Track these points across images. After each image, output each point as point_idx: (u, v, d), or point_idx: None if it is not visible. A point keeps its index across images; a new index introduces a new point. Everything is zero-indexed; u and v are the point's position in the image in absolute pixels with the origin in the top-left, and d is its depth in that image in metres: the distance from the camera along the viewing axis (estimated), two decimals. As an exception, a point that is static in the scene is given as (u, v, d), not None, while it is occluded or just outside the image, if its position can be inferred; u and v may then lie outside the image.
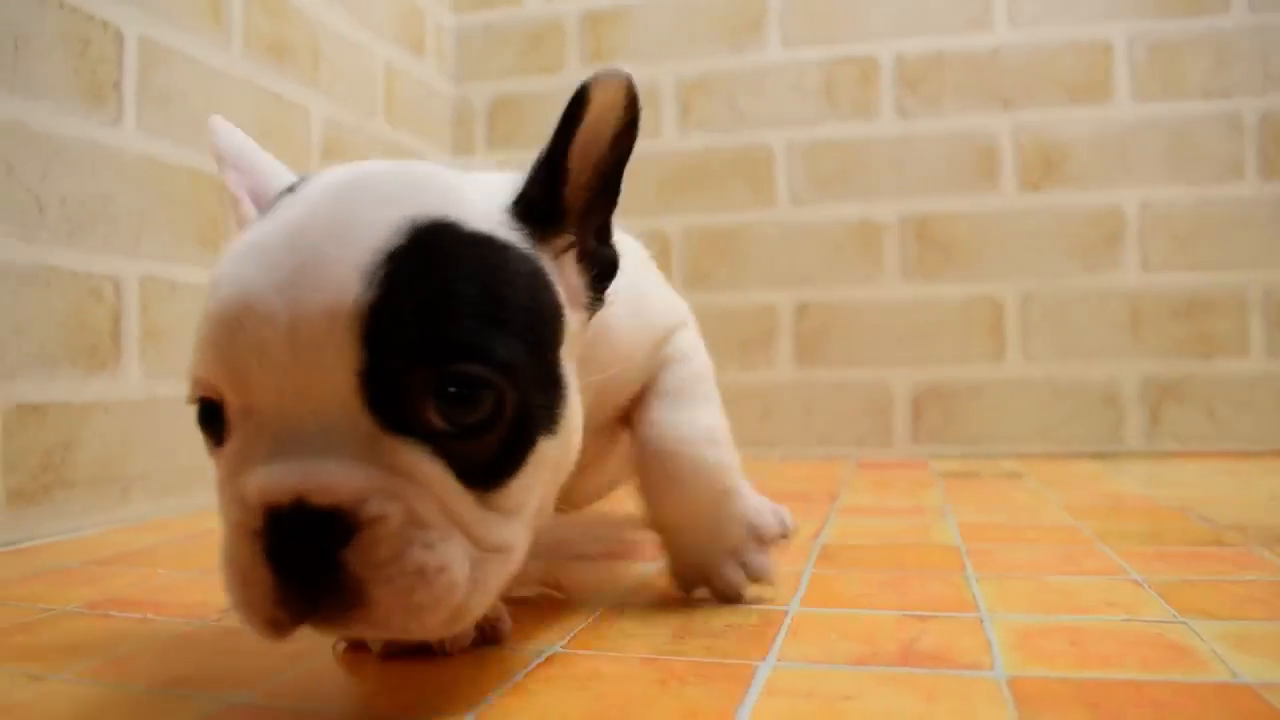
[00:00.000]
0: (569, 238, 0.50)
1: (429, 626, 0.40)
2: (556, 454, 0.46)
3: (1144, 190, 1.53)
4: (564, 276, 0.49)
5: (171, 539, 0.92)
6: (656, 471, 0.62)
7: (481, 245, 0.44)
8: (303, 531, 0.38)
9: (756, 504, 0.64)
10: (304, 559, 0.38)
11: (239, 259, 0.41)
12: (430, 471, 0.40)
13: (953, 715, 0.41)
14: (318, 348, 0.39)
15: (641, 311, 0.63)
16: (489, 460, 0.42)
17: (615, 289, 0.53)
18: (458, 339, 0.40)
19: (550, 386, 0.46)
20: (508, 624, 0.54)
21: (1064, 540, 0.82)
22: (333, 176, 0.45)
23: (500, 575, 0.43)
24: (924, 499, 1.08)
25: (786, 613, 0.59)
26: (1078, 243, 1.54)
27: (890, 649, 0.51)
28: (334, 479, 0.38)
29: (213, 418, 0.42)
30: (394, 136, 1.53)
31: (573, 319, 0.49)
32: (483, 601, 0.42)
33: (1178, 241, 1.51)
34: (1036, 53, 1.56)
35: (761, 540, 0.63)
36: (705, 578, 0.62)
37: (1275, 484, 1.13)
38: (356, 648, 0.52)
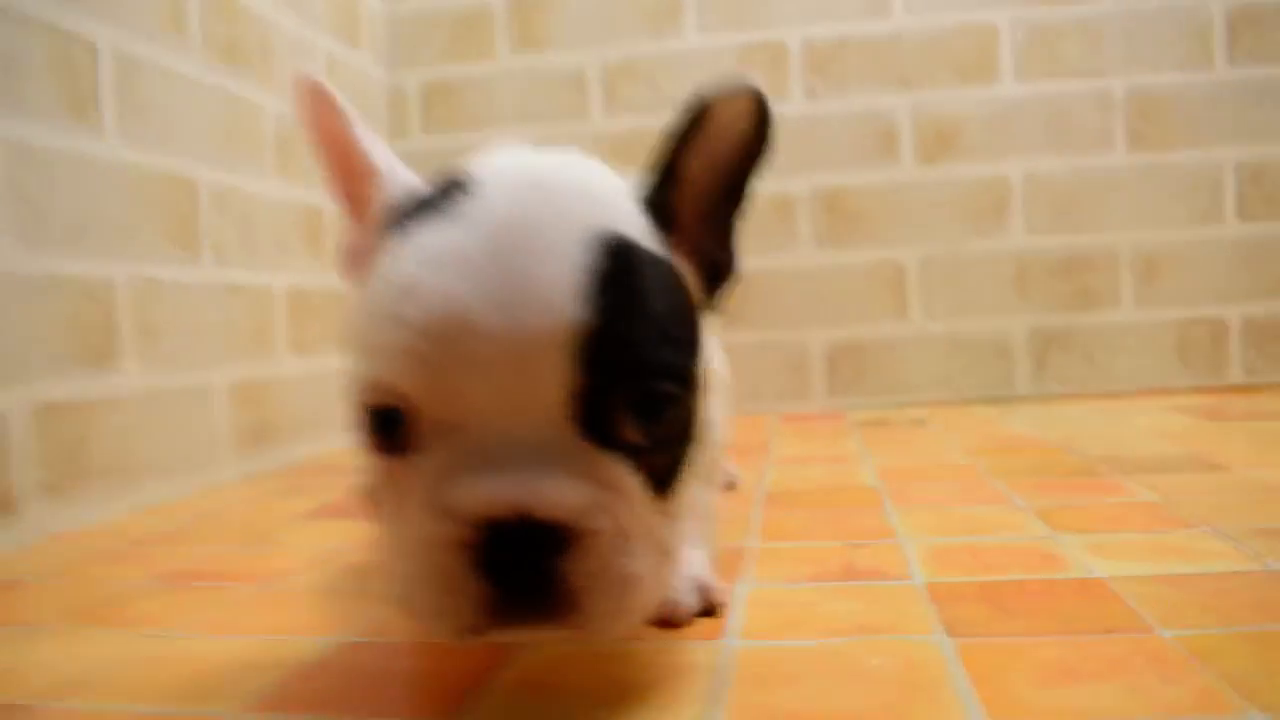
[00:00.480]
0: (678, 240, 0.48)
1: (625, 626, 0.42)
2: (704, 460, 0.49)
3: (1027, 161, 1.65)
4: (685, 276, 0.49)
5: (192, 519, 1.01)
6: None
7: (658, 264, 0.45)
8: (528, 544, 0.39)
9: (693, 574, 0.59)
10: (523, 570, 0.39)
11: (437, 266, 0.41)
12: (630, 485, 0.42)
13: (888, 612, 0.55)
14: (537, 367, 0.39)
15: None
16: (670, 470, 0.44)
17: None
18: (659, 360, 0.42)
19: (699, 397, 0.47)
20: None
21: (963, 477, 0.97)
22: (506, 177, 0.45)
23: (672, 576, 0.46)
24: (844, 447, 1.23)
25: (750, 547, 0.73)
26: (970, 210, 1.67)
27: (835, 568, 0.65)
28: (557, 494, 0.39)
29: (390, 425, 0.42)
30: (337, 125, 1.60)
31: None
32: (660, 600, 0.44)
33: (1057, 207, 1.65)
34: (931, 37, 1.67)
35: (667, 608, 0.57)
36: None
37: (1143, 421, 1.30)
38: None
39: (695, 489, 0.51)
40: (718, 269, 0.51)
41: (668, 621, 0.55)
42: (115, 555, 0.84)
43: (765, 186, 1.68)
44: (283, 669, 0.52)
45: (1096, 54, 1.64)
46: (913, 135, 1.68)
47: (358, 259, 0.51)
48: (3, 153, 0.92)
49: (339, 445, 1.51)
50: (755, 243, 1.69)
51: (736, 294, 1.60)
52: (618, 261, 0.41)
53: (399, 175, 0.52)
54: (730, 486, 0.96)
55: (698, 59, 1.72)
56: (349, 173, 0.53)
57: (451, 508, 0.39)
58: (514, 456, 0.39)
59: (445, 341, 0.39)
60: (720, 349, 0.67)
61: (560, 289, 0.39)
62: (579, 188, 0.45)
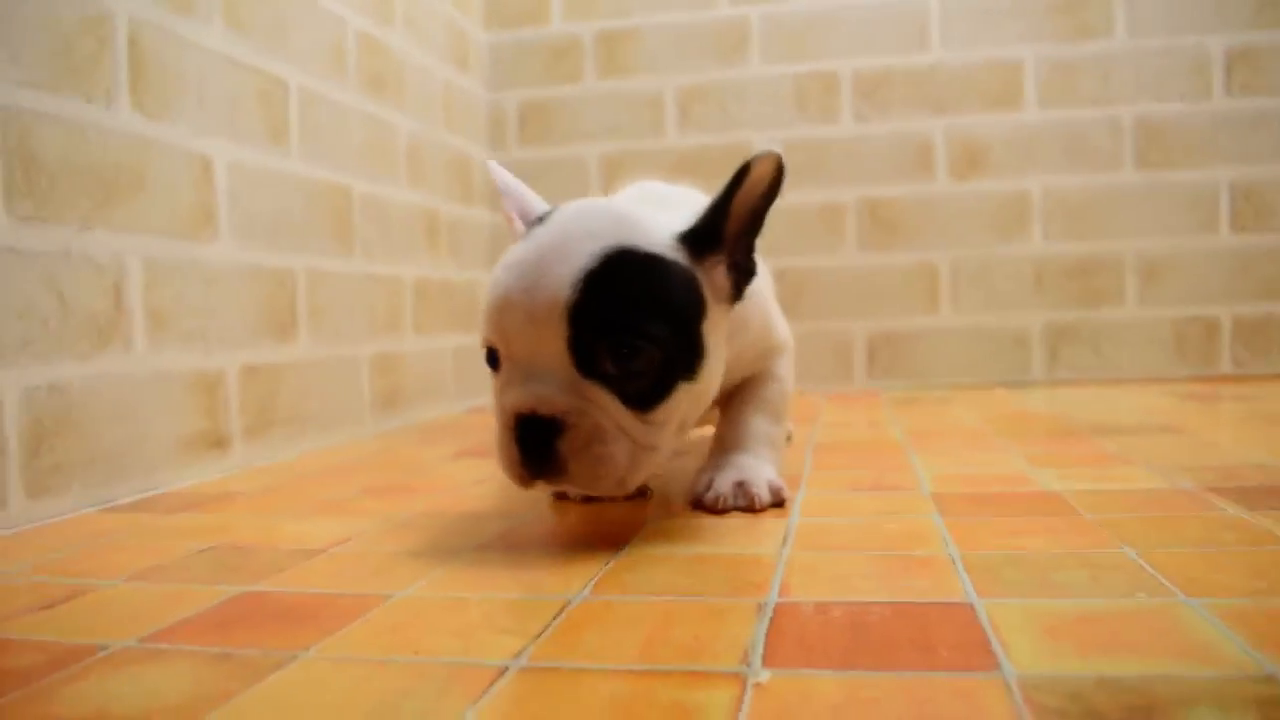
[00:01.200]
0: (721, 256, 0.74)
1: (603, 488, 0.68)
2: (695, 392, 0.72)
3: (1046, 178, 1.87)
4: (712, 280, 0.73)
5: (357, 458, 1.28)
6: (732, 438, 0.87)
7: (647, 260, 0.69)
8: (536, 428, 0.66)
9: (768, 477, 0.83)
10: (536, 443, 0.67)
11: (508, 268, 0.69)
12: (606, 399, 0.67)
13: (903, 509, 0.80)
14: (544, 326, 0.66)
15: (767, 321, 0.89)
16: (643, 393, 0.68)
17: (757, 295, 0.81)
18: (621, 321, 0.66)
19: (690, 350, 0.70)
20: (650, 490, 0.90)
21: (973, 436, 1.21)
22: (562, 217, 0.71)
23: (650, 462, 0.70)
24: (878, 416, 1.47)
25: (803, 475, 0.98)
26: (995, 220, 1.89)
27: (865, 483, 0.90)
28: (554, 401, 0.66)
29: (492, 357, 0.71)
30: (450, 140, 1.87)
31: (716, 308, 0.73)
32: (638, 476, 0.69)
33: (1071, 218, 1.87)
34: (964, 69, 1.89)
35: (749, 496, 0.80)
36: (717, 491, 0.82)
37: (1135, 401, 1.53)
38: (560, 498, 0.89)
39: (765, 391, 0.87)
40: (745, 273, 0.76)
41: (751, 508, 0.80)
42: (313, 479, 1.09)
43: (817, 197, 1.92)
44: (502, 524, 0.78)
45: (1108, 86, 1.86)
46: (946, 154, 1.91)
47: None
48: (226, 168, 1.19)
49: (451, 410, 1.78)
50: (808, 245, 1.93)
51: (792, 289, 1.85)
52: (607, 264, 0.67)
53: (529, 213, 0.80)
54: (788, 439, 1.22)
55: (761, 85, 1.96)
56: (508, 222, 0.83)
57: (503, 404, 0.69)
58: (534, 378, 0.67)
59: (501, 311, 0.68)
60: (781, 318, 0.95)
61: (561, 281, 0.66)
62: (609, 218, 0.71)
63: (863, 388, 1.94)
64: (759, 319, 0.88)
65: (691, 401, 0.73)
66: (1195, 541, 0.65)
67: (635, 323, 0.67)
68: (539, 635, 0.50)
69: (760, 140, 1.96)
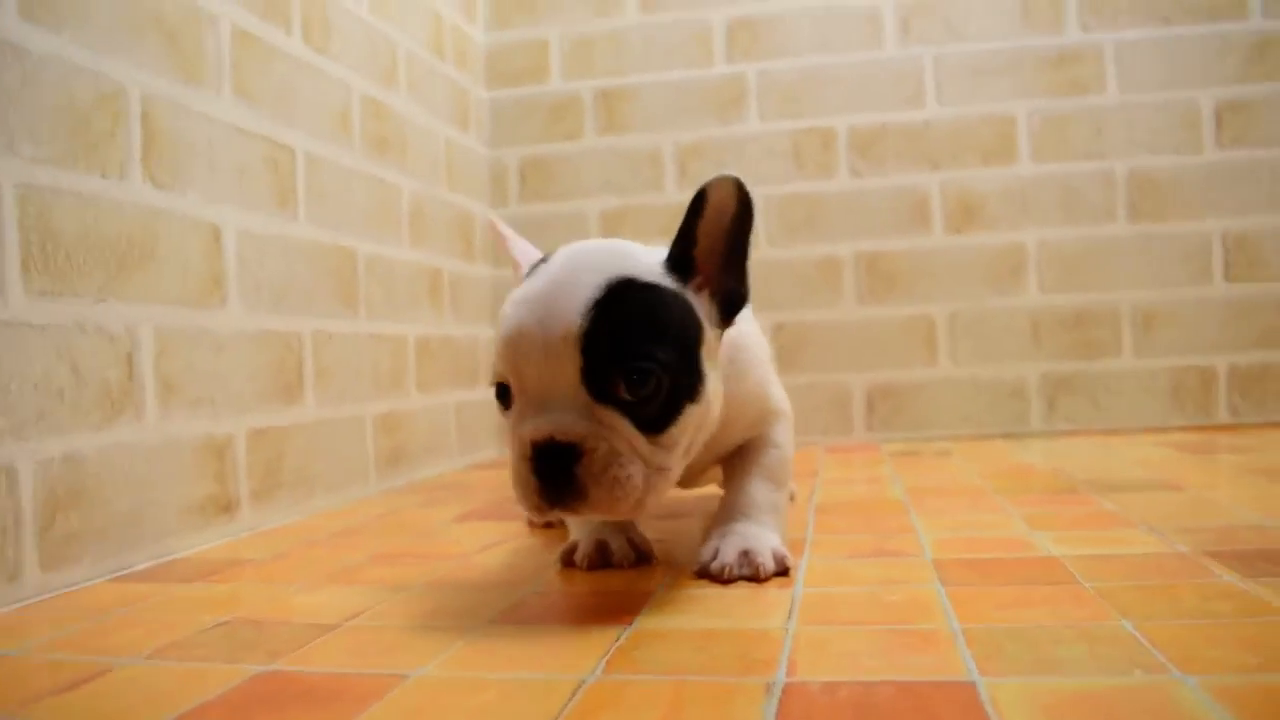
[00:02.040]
0: (701, 281, 0.78)
1: (620, 510, 0.70)
2: (699, 414, 0.75)
3: (1041, 231, 1.90)
4: (702, 304, 0.77)
5: (364, 521, 1.29)
6: (736, 506, 0.88)
7: (648, 290, 0.73)
8: (554, 456, 0.69)
9: (772, 545, 0.83)
10: (554, 471, 0.69)
11: (518, 304, 0.72)
12: (621, 424, 0.70)
13: (906, 577, 0.81)
14: (558, 356, 0.69)
15: (765, 381, 0.92)
16: (655, 416, 0.71)
17: (754, 356, 0.87)
18: (632, 348, 0.70)
19: (693, 374, 0.74)
20: (654, 553, 0.92)
21: (973, 494, 1.22)
22: (565, 254, 0.76)
23: (664, 484, 0.73)
24: (879, 472, 1.49)
25: (806, 539, 0.99)
26: (991, 272, 1.92)
27: (867, 549, 0.91)
28: (570, 426, 0.69)
29: (504, 393, 0.74)
30: (452, 198, 1.89)
31: (710, 332, 0.77)
32: (653, 498, 0.72)
33: (1067, 270, 1.89)
34: (958, 124, 1.92)
35: (754, 566, 0.81)
36: (723, 560, 0.82)
37: (1132, 453, 1.55)
38: (568, 565, 0.90)
39: (766, 458, 0.89)
40: (735, 298, 0.80)
41: (754, 577, 0.81)
42: (321, 545, 1.10)
43: (816, 251, 1.95)
44: (511, 595, 0.79)
45: (1101, 139, 1.89)
46: (942, 208, 1.93)
47: None
48: (235, 236, 1.21)
49: (454, 467, 1.79)
50: (806, 298, 1.95)
51: (791, 342, 1.87)
52: (611, 294, 0.71)
53: (528, 259, 0.85)
54: (790, 499, 1.23)
55: (758, 142, 1.99)
56: (514, 267, 0.88)
57: (520, 436, 0.71)
58: (549, 407, 0.70)
59: (514, 345, 0.71)
60: (779, 386, 0.98)
61: (571, 311, 0.70)
62: (605, 253, 0.76)
63: (862, 439, 1.95)
64: (756, 374, 0.91)
65: (696, 424, 0.76)
66: (1191, 613, 0.66)
67: (644, 348, 0.71)
68: (556, 718, 0.52)
69: (757, 196, 1.96)
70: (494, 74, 2.10)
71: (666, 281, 0.76)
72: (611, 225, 2.03)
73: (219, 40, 1.20)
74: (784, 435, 0.95)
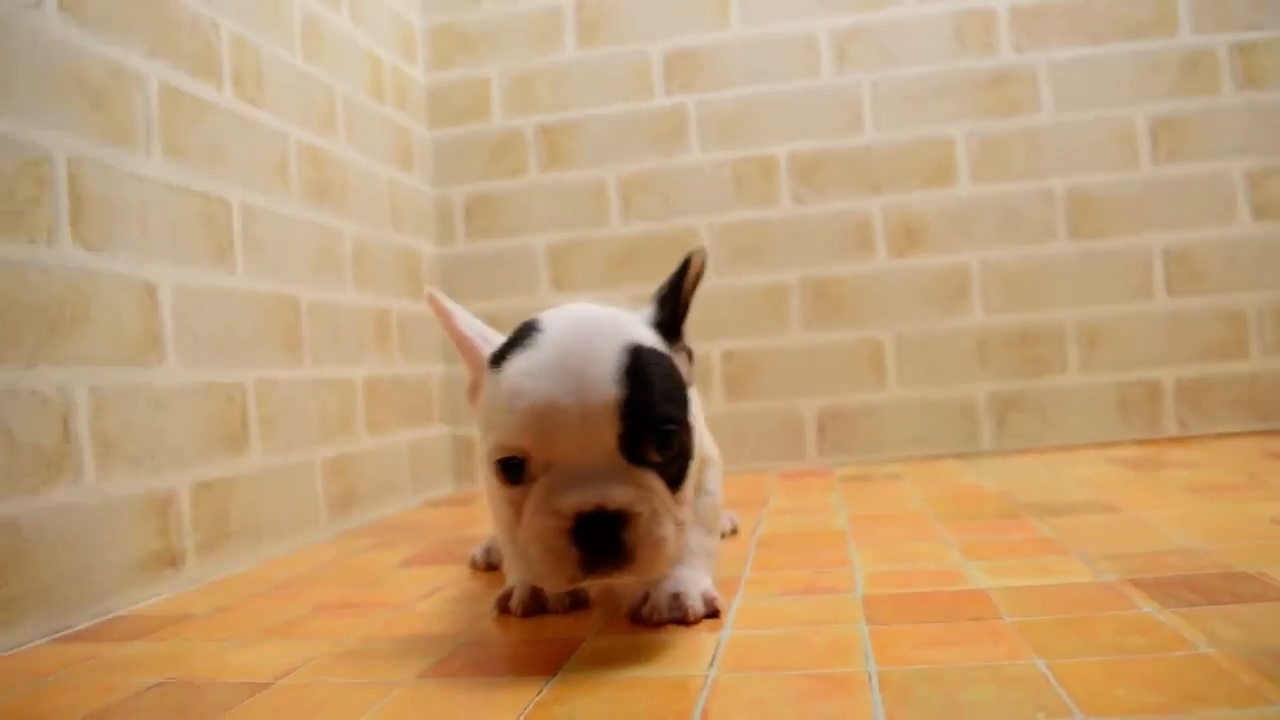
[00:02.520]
0: (682, 343, 0.84)
1: (660, 568, 0.73)
2: (694, 468, 0.78)
3: (983, 251, 1.92)
4: (683, 363, 0.82)
5: (312, 569, 1.29)
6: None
7: (656, 356, 0.76)
8: (602, 525, 0.69)
9: (702, 588, 0.84)
10: (602, 540, 0.70)
11: (534, 376, 0.71)
12: (656, 485, 0.72)
13: (833, 616, 0.82)
14: (598, 425, 0.70)
15: (700, 433, 0.89)
16: (676, 475, 0.75)
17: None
18: (660, 412, 0.73)
19: (691, 431, 0.77)
20: (590, 597, 0.92)
21: (914, 521, 1.23)
22: (562, 322, 0.76)
23: (684, 537, 0.76)
24: (827, 500, 1.50)
25: (742, 577, 1.00)
26: (936, 294, 1.93)
27: (800, 587, 0.92)
28: (618, 493, 0.70)
29: (514, 469, 0.72)
30: (397, 238, 1.90)
31: (690, 389, 0.82)
32: (680, 552, 0.75)
33: (1010, 289, 1.91)
34: (897, 148, 1.94)
35: (683, 609, 0.82)
36: (653, 604, 0.83)
37: (1077, 471, 1.56)
38: (504, 612, 0.91)
39: (699, 504, 0.88)
40: (689, 355, 0.85)
41: (684, 620, 0.82)
42: (268, 595, 1.10)
43: (761, 279, 1.96)
44: (445, 647, 0.79)
45: (1039, 158, 1.92)
46: (885, 231, 1.95)
47: (474, 389, 0.86)
48: (170, 293, 1.21)
49: (408, 505, 1.79)
50: (753, 325, 1.96)
51: (741, 369, 1.88)
52: (636, 360, 0.73)
53: (487, 337, 0.85)
54: (734, 532, 1.24)
55: (701, 172, 2.00)
56: (460, 342, 0.86)
57: (558, 508, 0.70)
58: (589, 477, 0.70)
59: (543, 416, 0.71)
60: (709, 434, 0.98)
61: (606, 380, 0.71)
62: (607, 320, 0.78)
63: (815, 464, 1.96)
64: (698, 423, 0.91)
65: (694, 477, 0.80)
66: (1104, 648, 0.67)
67: (668, 411, 0.74)
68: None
69: (702, 225, 2.00)
70: (436, 113, 2.11)
71: (662, 345, 0.80)
72: (558, 260, 2.03)
73: (147, 100, 1.20)
74: (715, 482, 0.97)
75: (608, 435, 0.71)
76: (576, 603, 0.91)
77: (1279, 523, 1.04)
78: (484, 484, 0.89)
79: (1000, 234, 1.93)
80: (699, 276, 0.83)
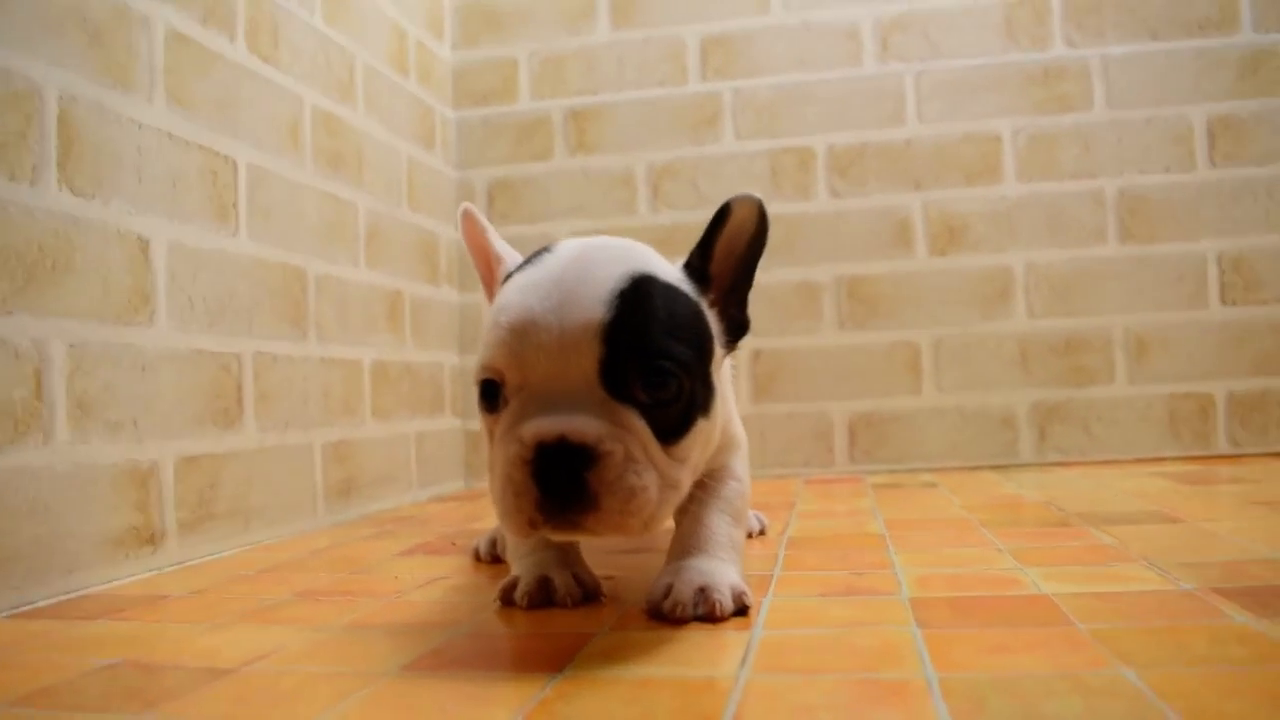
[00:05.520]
0: (714, 297, 0.74)
1: (632, 526, 0.62)
2: (708, 430, 0.70)
3: (1028, 253, 1.83)
4: (714, 320, 0.73)
5: (304, 555, 1.20)
6: (693, 541, 0.78)
7: (669, 289, 0.69)
8: (563, 459, 0.61)
9: (731, 582, 0.74)
10: (562, 477, 0.61)
11: (523, 291, 0.65)
12: (639, 426, 0.63)
13: (878, 618, 0.73)
14: (576, 347, 0.62)
15: (730, 410, 0.84)
16: (672, 424, 0.65)
17: (723, 381, 0.78)
18: (655, 345, 0.64)
19: (705, 387, 0.70)
20: (602, 591, 0.82)
21: (957, 527, 1.14)
22: (574, 245, 0.70)
23: (673, 500, 0.67)
24: (859, 505, 1.40)
25: (772, 576, 0.90)
26: (977, 296, 1.84)
27: (838, 588, 0.83)
28: (585, 426, 0.61)
29: (492, 393, 0.66)
30: (414, 218, 1.82)
31: (719, 350, 0.74)
32: (663, 515, 0.65)
33: (1056, 293, 1.82)
34: (941, 143, 1.86)
35: (710, 604, 0.71)
36: (676, 598, 0.73)
37: (1127, 484, 1.46)
38: (507, 603, 0.81)
39: (725, 490, 0.81)
40: (738, 325, 0.77)
41: (711, 615, 0.72)
42: (250, 579, 1.02)
43: (794, 275, 1.87)
44: (437, 637, 0.70)
45: (1089, 158, 1.83)
46: (925, 229, 1.86)
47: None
48: (165, 249, 1.12)
49: (415, 499, 1.70)
50: (784, 324, 1.88)
51: (769, 370, 1.79)
52: (636, 286, 0.65)
53: (512, 256, 0.80)
54: (761, 533, 1.14)
55: (734, 162, 1.92)
56: (485, 258, 0.82)
57: (520, 436, 0.62)
58: (559, 405, 0.62)
59: (521, 334, 0.64)
60: (739, 418, 0.91)
61: (593, 299, 0.64)
62: (621, 248, 0.71)
63: (844, 471, 1.87)
64: (726, 403, 0.83)
65: (704, 442, 0.71)
66: (1202, 659, 0.57)
67: (666, 346, 0.65)
68: (440, 793, 0.43)
69: (734, 217, 1.90)
70: (461, 93, 2.03)
71: (686, 286, 0.72)
72: (582, 248, 1.95)
73: (151, 43, 1.12)
74: (743, 468, 0.88)
75: (587, 361, 0.63)
76: (587, 596, 0.81)
77: (1369, 539, 0.94)
78: None
79: (1046, 235, 1.83)
80: (750, 234, 0.75)
